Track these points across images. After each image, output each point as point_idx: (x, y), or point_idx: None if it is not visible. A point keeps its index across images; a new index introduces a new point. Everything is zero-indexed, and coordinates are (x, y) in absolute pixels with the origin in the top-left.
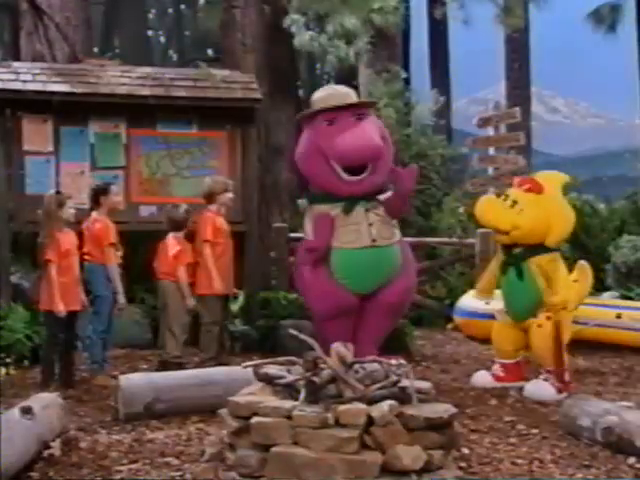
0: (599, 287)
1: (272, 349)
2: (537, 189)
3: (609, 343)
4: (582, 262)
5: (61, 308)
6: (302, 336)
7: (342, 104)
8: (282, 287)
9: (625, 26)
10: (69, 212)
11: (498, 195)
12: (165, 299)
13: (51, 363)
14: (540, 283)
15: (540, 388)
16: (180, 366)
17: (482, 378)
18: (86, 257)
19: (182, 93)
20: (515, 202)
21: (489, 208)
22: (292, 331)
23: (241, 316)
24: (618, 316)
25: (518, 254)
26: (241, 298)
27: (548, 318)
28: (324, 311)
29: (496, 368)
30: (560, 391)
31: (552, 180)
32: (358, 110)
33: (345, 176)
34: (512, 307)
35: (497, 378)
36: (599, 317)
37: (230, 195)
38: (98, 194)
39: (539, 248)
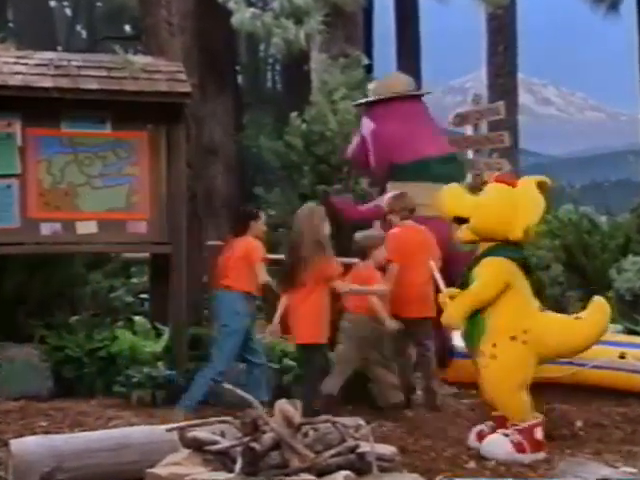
0: None
1: (204, 400)
2: (510, 182)
3: (611, 389)
4: (598, 298)
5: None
6: (239, 392)
7: None
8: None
9: (629, 3)
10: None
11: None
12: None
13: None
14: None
15: (494, 444)
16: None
17: (500, 447)
18: (225, 284)
19: (93, 85)
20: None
21: (450, 195)
22: (227, 385)
23: (165, 358)
24: (622, 356)
25: (477, 257)
26: (165, 336)
27: (494, 357)
28: None
29: (511, 432)
30: (521, 450)
31: (529, 179)
32: None
33: None
34: (464, 334)
35: (519, 447)
36: (599, 356)
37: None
38: (249, 218)
39: (498, 248)
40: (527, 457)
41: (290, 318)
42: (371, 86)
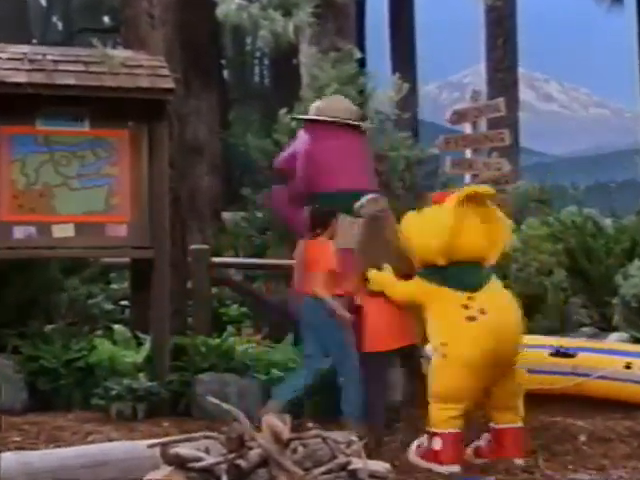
0: (604, 327)
1: (187, 412)
2: (440, 200)
3: (616, 401)
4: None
5: None
6: (225, 405)
7: None
8: (201, 329)
9: None
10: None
11: None
12: None
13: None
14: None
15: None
16: None
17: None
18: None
19: (70, 80)
20: None
21: (408, 223)
22: (211, 399)
23: (146, 369)
24: (627, 366)
25: None
26: (147, 346)
27: None
28: None
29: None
30: (422, 455)
31: (453, 197)
32: None
33: None
34: None
35: (420, 451)
36: (603, 366)
37: None
38: (331, 216)
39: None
40: (427, 464)
41: (373, 324)
42: (316, 104)
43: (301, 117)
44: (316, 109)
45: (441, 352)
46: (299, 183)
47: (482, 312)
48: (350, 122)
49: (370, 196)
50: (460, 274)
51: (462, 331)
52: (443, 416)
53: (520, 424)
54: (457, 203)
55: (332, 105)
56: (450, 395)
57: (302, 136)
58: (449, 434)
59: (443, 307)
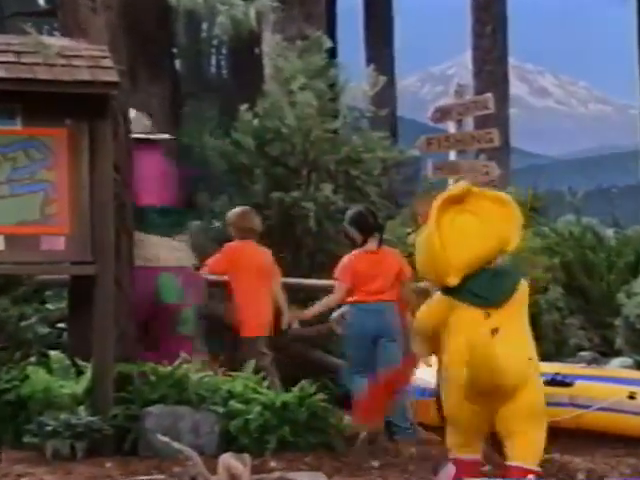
0: (605, 351)
1: (133, 451)
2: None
3: (618, 435)
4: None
5: None
6: (176, 444)
7: None
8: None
9: None
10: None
11: None
12: None
13: None
14: None
15: None
16: None
17: None
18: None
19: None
20: None
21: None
22: (162, 437)
23: (87, 402)
24: (631, 396)
25: None
26: (87, 374)
27: None
28: None
29: None
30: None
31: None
32: None
33: None
34: None
35: None
36: (604, 396)
37: None
38: (380, 225)
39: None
40: None
41: None
42: None
43: None
44: None
45: (445, 376)
46: None
47: (495, 332)
48: (138, 136)
49: (241, 209)
50: (473, 284)
51: (462, 351)
52: (451, 441)
53: (517, 463)
54: (437, 212)
55: None
56: (452, 419)
57: None
58: (463, 460)
59: (449, 327)
